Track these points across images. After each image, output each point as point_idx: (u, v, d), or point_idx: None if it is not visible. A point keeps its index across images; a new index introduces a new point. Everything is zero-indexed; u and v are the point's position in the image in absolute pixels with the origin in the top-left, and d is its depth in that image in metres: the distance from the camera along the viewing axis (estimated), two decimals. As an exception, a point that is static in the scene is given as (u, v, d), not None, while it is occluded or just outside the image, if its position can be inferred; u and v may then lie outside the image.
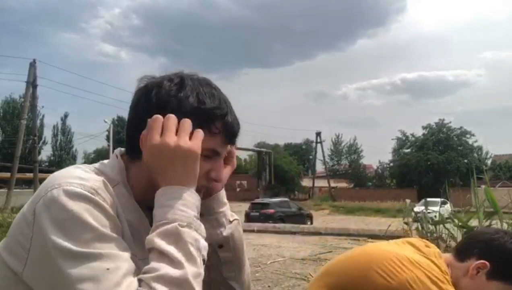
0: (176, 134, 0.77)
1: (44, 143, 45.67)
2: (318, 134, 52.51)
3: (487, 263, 1.21)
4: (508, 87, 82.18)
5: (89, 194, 0.73)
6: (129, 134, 0.85)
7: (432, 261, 1.23)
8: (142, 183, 0.83)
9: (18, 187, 22.12)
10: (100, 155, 44.19)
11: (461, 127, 44.52)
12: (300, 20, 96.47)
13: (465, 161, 40.86)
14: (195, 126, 0.79)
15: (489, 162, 44.59)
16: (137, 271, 0.72)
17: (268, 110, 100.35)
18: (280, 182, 47.41)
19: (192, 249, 0.72)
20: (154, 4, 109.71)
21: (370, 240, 9.13)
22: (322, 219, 23.96)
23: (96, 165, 0.86)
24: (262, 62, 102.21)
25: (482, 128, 78.00)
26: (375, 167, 53.98)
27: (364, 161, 55.75)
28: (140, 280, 0.69)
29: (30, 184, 23.92)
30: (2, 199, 17.02)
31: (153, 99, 0.81)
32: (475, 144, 44.04)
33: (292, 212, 21.04)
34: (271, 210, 19.38)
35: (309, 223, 20.13)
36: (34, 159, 23.59)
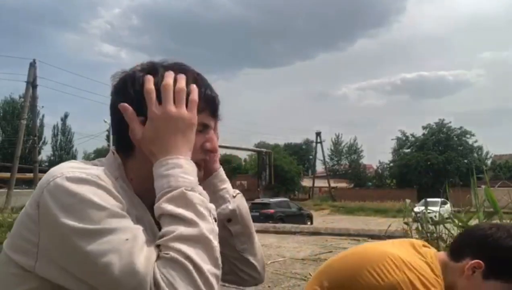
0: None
1: (44, 143, 45.70)
2: (318, 134, 52.49)
3: (481, 262, 1.17)
4: (508, 87, 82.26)
5: (92, 178, 0.73)
6: (117, 133, 0.86)
7: (427, 263, 1.20)
8: (142, 174, 0.83)
9: (18, 187, 22.11)
10: (100, 155, 43.80)
11: (461, 127, 44.57)
12: (300, 20, 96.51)
13: (465, 161, 40.87)
14: None
15: (489, 162, 44.58)
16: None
17: (268, 110, 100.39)
18: (280, 182, 47.41)
19: (201, 209, 0.73)
20: (154, 4, 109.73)
21: (370, 240, 9.13)
22: (322, 219, 23.98)
23: (94, 161, 0.87)
24: (262, 62, 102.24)
25: (482, 128, 78.00)
26: (375, 167, 54.04)
27: (364, 161, 55.83)
28: (158, 246, 0.70)
29: (30, 184, 23.93)
30: (2, 199, 16.99)
31: (130, 90, 0.82)
32: (475, 144, 44.07)
33: (292, 212, 21.05)
34: (271, 210, 19.39)
35: (309, 223, 20.14)
36: (34, 159, 23.60)
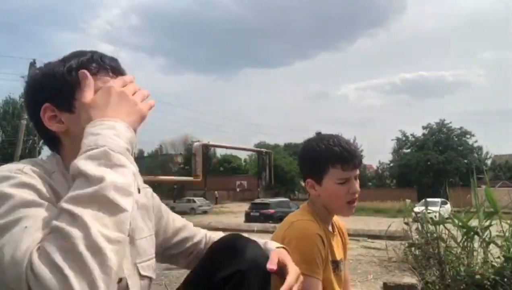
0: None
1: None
2: (318, 134, 52.49)
3: (308, 179, 1.42)
4: (508, 87, 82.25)
5: (13, 173, 0.73)
6: (38, 131, 0.90)
7: (302, 214, 1.43)
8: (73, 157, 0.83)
9: (18, 187, 22.07)
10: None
11: (461, 127, 44.60)
12: (299, 20, 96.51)
13: (465, 161, 40.88)
14: (77, 80, 0.83)
15: (489, 162, 44.59)
16: None
17: (268, 110, 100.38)
18: (280, 182, 47.40)
19: (121, 169, 0.68)
20: (153, 4, 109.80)
21: (370, 240, 9.14)
22: (322, 219, 23.91)
23: (36, 159, 0.89)
24: (262, 62, 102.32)
25: (482, 128, 78.07)
26: (375, 167, 54.04)
27: (364, 161, 55.71)
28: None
29: (30, 184, 23.87)
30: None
31: (29, 90, 0.90)
32: (475, 144, 44.07)
33: (292, 212, 21.04)
34: (271, 210, 19.42)
35: (309, 223, 20.12)
36: (34, 159, 23.55)
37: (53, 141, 0.89)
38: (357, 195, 1.41)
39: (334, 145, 1.37)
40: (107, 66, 0.89)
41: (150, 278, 0.95)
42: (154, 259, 0.98)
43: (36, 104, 0.86)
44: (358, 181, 1.41)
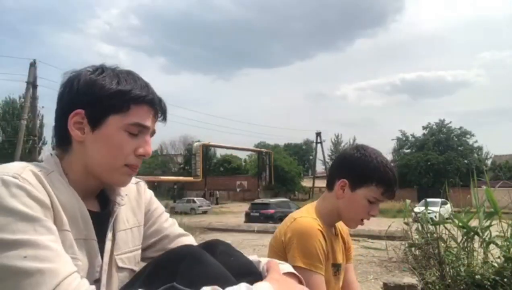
0: None
1: (44, 143, 45.49)
2: (318, 134, 52.55)
3: (345, 179, 1.39)
4: (508, 87, 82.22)
5: (11, 178, 0.75)
6: (57, 125, 0.90)
7: (307, 212, 1.44)
8: (78, 168, 0.89)
9: (18, 187, 22.05)
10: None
11: (461, 127, 44.57)
12: (299, 20, 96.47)
13: (465, 161, 40.84)
14: (116, 106, 0.86)
15: (489, 162, 44.55)
16: (70, 247, 0.78)
17: (268, 110, 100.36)
18: (280, 182, 47.37)
19: None
20: (153, 4, 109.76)
21: (370, 240, 9.13)
22: (322, 219, 23.87)
23: (36, 163, 0.90)
24: (262, 62, 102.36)
25: (482, 128, 78.07)
26: (375, 167, 53.96)
27: (364, 161, 55.75)
28: None
29: (30, 184, 23.84)
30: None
31: (75, 88, 0.87)
32: (475, 144, 44.05)
33: (292, 212, 21.02)
34: (271, 210, 19.40)
35: (309, 223, 20.10)
36: (34, 160, 23.47)
37: (65, 141, 0.90)
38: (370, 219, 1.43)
39: (389, 170, 1.38)
40: (156, 108, 0.92)
41: (131, 270, 0.95)
42: (138, 251, 0.99)
43: (72, 104, 0.87)
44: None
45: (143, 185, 1.08)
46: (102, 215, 0.93)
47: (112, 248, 0.92)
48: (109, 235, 0.92)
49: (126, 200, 0.99)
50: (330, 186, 1.46)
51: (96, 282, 0.85)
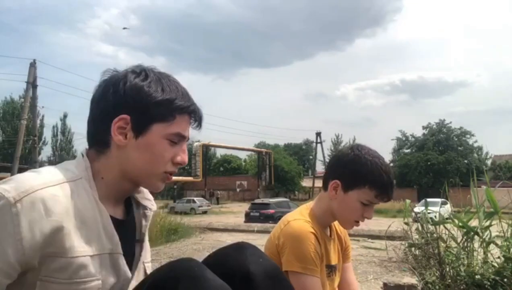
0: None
1: (44, 143, 45.68)
2: (318, 134, 52.56)
3: (337, 180, 1.36)
4: (508, 87, 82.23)
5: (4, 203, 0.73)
6: (96, 127, 0.88)
7: (301, 214, 1.42)
8: (115, 172, 0.87)
9: (18, 188, 22.03)
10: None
11: (461, 128, 44.56)
12: (298, 20, 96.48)
13: (465, 161, 40.84)
14: (161, 115, 0.86)
15: (489, 162, 44.55)
16: (81, 270, 0.76)
17: (268, 110, 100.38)
18: (280, 182, 47.38)
19: None
20: (152, 4, 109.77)
21: (370, 240, 9.13)
22: (322, 219, 23.86)
23: (62, 164, 0.88)
24: (261, 62, 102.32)
25: (482, 128, 78.06)
26: (375, 167, 53.95)
27: (364, 161, 55.73)
28: None
29: (30, 184, 23.80)
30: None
31: (121, 91, 0.85)
32: (475, 144, 44.04)
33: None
34: (271, 210, 19.39)
35: (309, 223, 20.07)
36: (34, 160, 23.53)
37: (104, 144, 0.87)
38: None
39: (384, 172, 1.32)
40: (196, 118, 0.93)
41: None
42: (150, 264, 1.00)
43: (117, 108, 0.85)
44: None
45: (153, 212, 1.09)
46: (127, 222, 0.93)
47: (141, 253, 0.93)
48: (142, 239, 0.95)
49: (154, 208, 1.02)
50: (324, 186, 1.44)
51: None
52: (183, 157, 0.91)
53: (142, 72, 0.89)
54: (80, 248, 0.77)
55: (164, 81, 0.89)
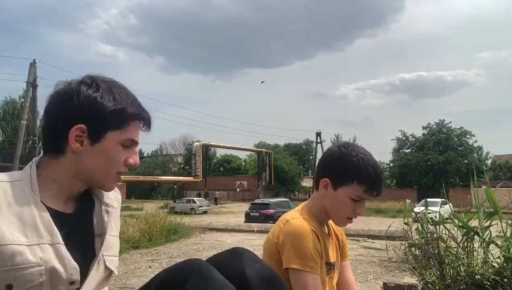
0: None
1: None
2: (318, 134, 52.62)
3: (326, 179, 1.39)
4: (507, 87, 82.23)
5: None
6: (53, 135, 0.95)
7: (299, 212, 1.44)
8: (67, 174, 0.95)
9: (18, 187, 22.04)
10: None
11: (461, 128, 44.60)
12: (298, 20, 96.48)
13: (465, 161, 40.84)
14: (115, 123, 0.95)
15: (489, 162, 44.57)
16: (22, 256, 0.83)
17: (268, 110, 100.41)
18: (280, 182, 47.41)
19: None
20: (152, 4, 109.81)
21: (370, 240, 9.14)
22: (322, 219, 23.88)
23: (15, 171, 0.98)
24: (261, 62, 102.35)
25: (482, 128, 78.10)
26: (375, 167, 53.98)
27: (364, 161, 55.75)
28: None
29: (30, 184, 23.82)
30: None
31: (76, 103, 0.93)
32: (475, 145, 44.06)
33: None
34: (271, 210, 19.37)
35: (309, 223, 20.08)
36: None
37: (58, 150, 0.95)
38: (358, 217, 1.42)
39: (371, 167, 1.34)
40: (147, 124, 1.02)
41: (111, 272, 1.02)
42: (117, 258, 1.06)
43: (73, 118, 0.93)
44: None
45: (120, 197, 1.16)
46: (75, 215, 0.99)
47: (101, 246, 1.00)
48: (103, 232, 1.01)
49: (117, 205, 1.09)
50: (316, 185, 1.46)
51: (72, 284, 0.90)
52: (135, 159, 1.01)
53: (93, 83, 0.96)
54: (13, 237, 0.84)
55: (115, 90, 0.97)
